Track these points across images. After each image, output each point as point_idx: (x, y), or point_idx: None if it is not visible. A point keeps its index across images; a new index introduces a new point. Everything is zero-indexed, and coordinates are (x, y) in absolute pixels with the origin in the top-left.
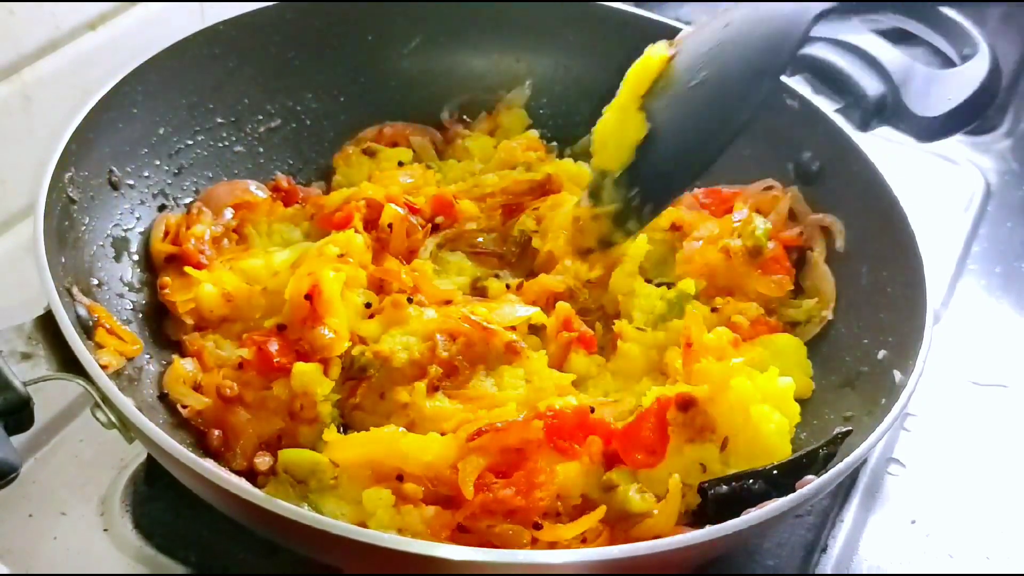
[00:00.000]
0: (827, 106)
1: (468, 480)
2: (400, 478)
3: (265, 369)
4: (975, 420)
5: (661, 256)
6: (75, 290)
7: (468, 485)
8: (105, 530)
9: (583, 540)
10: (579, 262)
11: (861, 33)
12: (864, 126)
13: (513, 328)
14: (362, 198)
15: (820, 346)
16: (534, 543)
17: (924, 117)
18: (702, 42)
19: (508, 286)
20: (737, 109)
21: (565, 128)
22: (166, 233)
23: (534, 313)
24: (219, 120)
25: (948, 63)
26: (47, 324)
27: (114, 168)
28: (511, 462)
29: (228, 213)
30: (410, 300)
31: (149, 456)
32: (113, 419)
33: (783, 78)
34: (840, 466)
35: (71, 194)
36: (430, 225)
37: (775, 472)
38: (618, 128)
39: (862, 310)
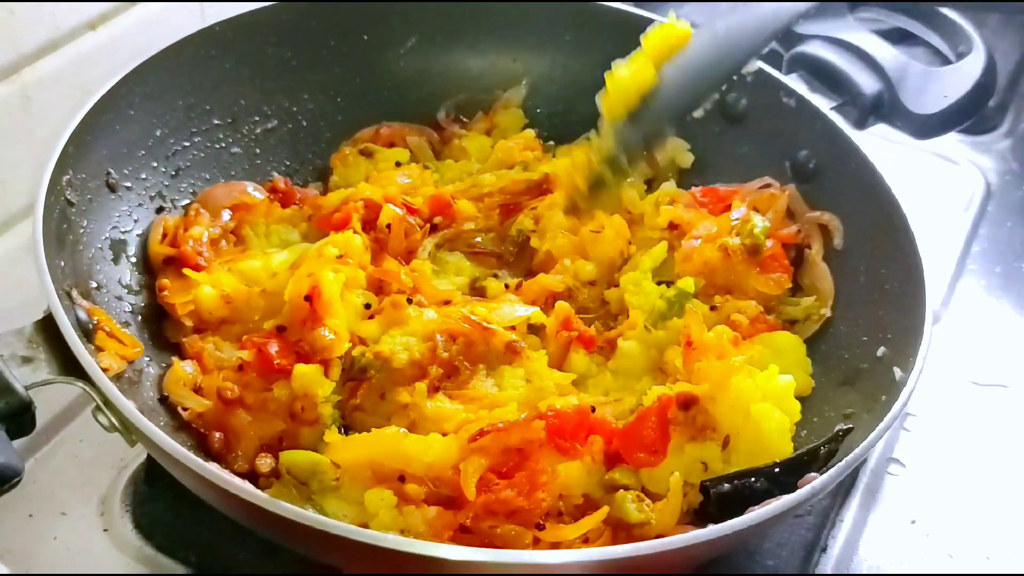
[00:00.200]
0: (824, 104)
1: (470, 481)
2: (402, 479)
3: (265, 371)
4: (975, 420)
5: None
6: (75, 293)
7: (470, 486)
8: (105, 530)
9: (585, 540)
10: (578, 261)
11: (857, 31)
12: (861, 124)
13: (513, 328)
14: (360, 199)
15: (819, 344)
16: (536, 543)
17: (920, 115)
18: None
19: (507, 286)
20: (736, 63)
21: (562, 127)
22: (164, 235)
23: (533, 313)
24: (216, 121)
25: (944, 61)
26: (47, 327)
27: (111, 170)
28: (512, 462)
29: (226, 215)
30: (409, 300)
31: (149, 456)
32: (115, 422)
33: (781, 77)
34: (842, 464)
35: (69, 197)
36: (428, 225)
37: (777, 470)
38: (631, 80)
39: (861, 307)
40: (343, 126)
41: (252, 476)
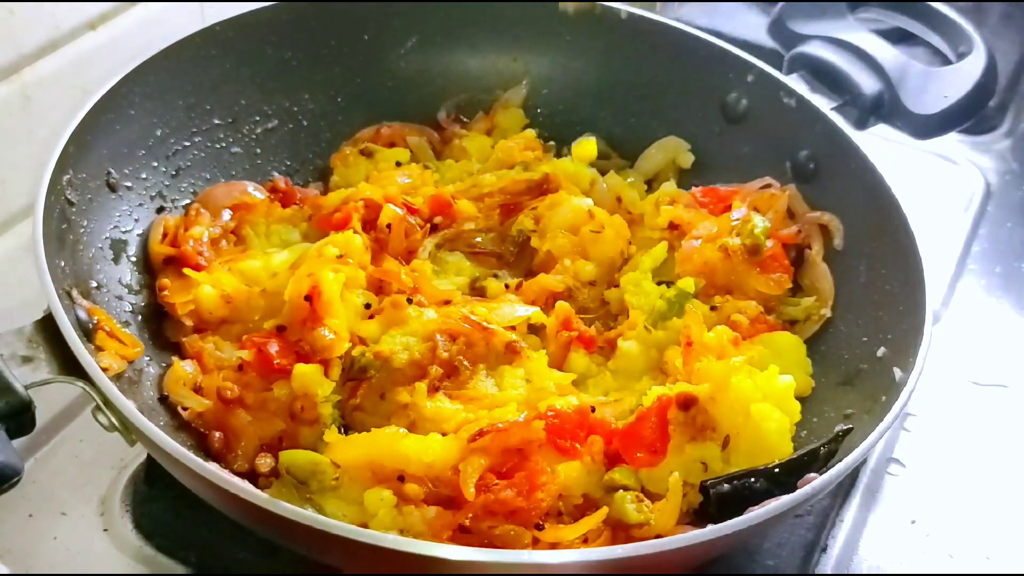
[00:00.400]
0: (824, 104)
1: (469, 481)
2: (401, 479)
3: (265, 371)
4: (975, 420)
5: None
6: (75, 293)
7: (469, 486)
8: (105, 530)
9: (584, 540)
10: (578, 261)
11: (858, 31)
12: (861, 124)
13: (513, 328)
14: (360, 199)
15: (819, 344)
16: (535, 544)
17: (921, 115)
18: None
19: (507, 286)
20: None
21: (563, 127)
22: (164, 235)
23: (534, 313)
24: (216, 121)
25: (944, 61)
26: (47, 327)
27: (112, 170)
28: (512, 463)
29: (226, 214)
30: (410, 300)
31: (149, 456)
32: (115, 422)
33: (781, 77)
34: (842, 464)
35: (69, 196)
36: (428, 225)
37: (777, 470)
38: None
39: (861, 308)
40: (343, 126)
41: (252, 476)
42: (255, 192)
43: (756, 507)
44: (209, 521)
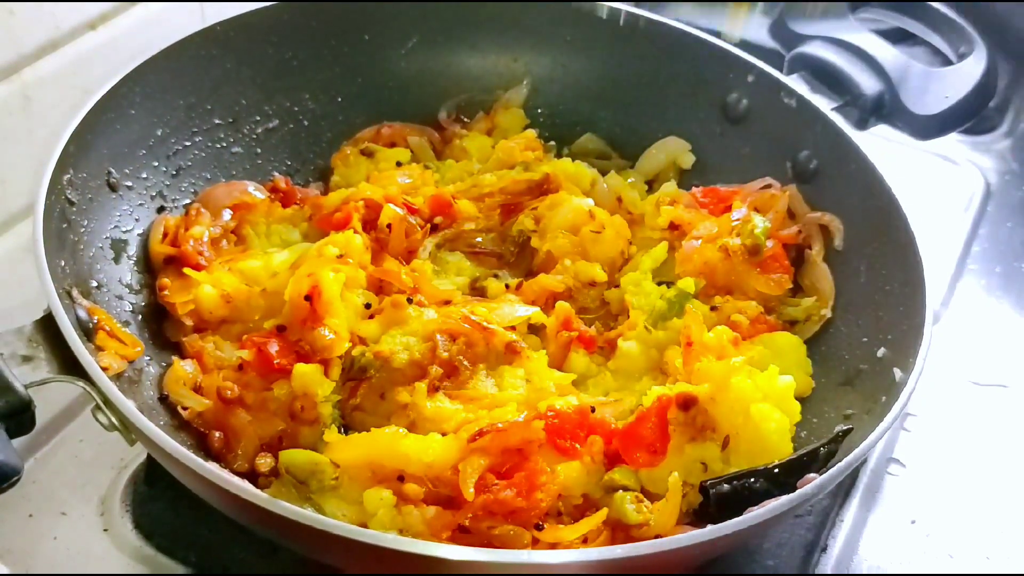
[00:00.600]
0: (825, 104)
1: (469, 481)
2: (401, 479)
3: (265, 370)
4: (975, 420)
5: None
6: (75, 292)
7: (469, 486)
8: (105, 530)
9: (584, 540)
10: (579, 261)
11: (858, 32)
12: (862, 124)
13: (513, 328)
14: (360, 198)
15: (819, 344)
16: (535, 544)
17: (921, 115)
18: None
19: (507, 286)
20: None
21: (563, 127)
22: (165, 235)
23: (534, 313)
24: (217, 121)
25: (945, 61)
26: (47, 326)
27: (112, 170)
28: (512, 463)
29: (226, 214)
30: (410, 300)
31: (149, 456)
32: (115, 421)
33: (782, 77)
34: (842, 464)
35: (70, 196)
36: (429, 225)
37: (776, 471)
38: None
39: (861, 308)
40: (344, 126)
41: (252, 476)
42: (255, 192)
43: (756, 507)
44: (209, 521)
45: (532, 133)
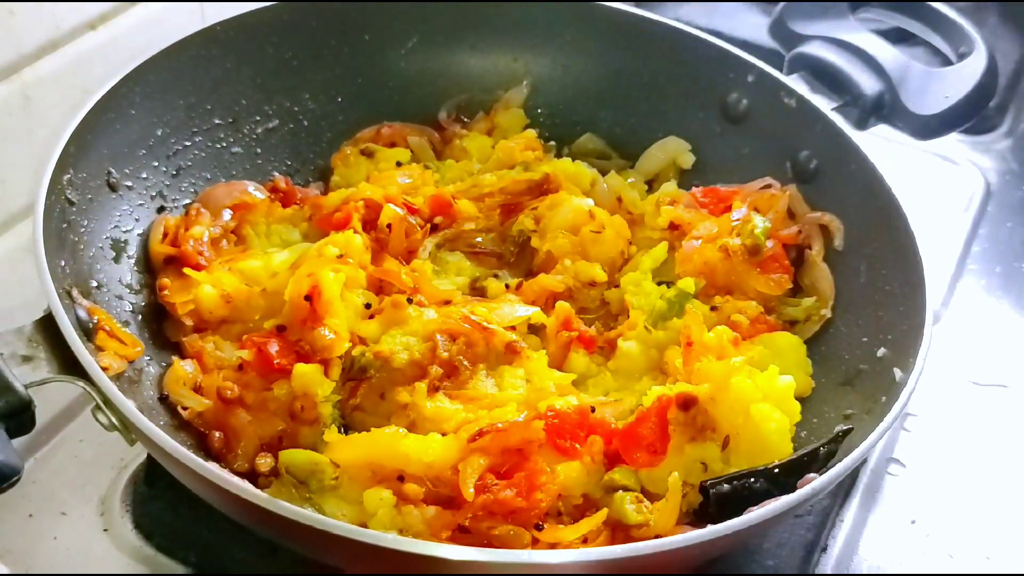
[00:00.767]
0: (825, 104)
1: (469, 481)
2: (401, 479)
3: (265, 370)
4: (975, 420)
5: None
6: (75, 292)
7: (469, 486)
8: (105, 530)
9: (584, 540)
10: (579, 261)
11: (858, 32)
12: (862, 124)
13: (513, 328)
14: (360, 198)
15: (819, 344)
16: (535, 544)
17: (921, 115)
18: None
19: (507, 286)
20: None
21: (563, 127)
22: (165, 234)
23: (534, 313)
24: (217, 121)
25: (945, 61)
26: (47, 326)
27: (112, 170)
28: (512, 463)
29: (227, 214)
30: (410, 300)
31: (149, 456)
32: (115, 421)
33: (782, 77)
34: (842, 464)
35: (70, 196)
36: (429, 225)
37: (776, 471)
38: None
39: (861, 308)
40: (344, 126)
41: (252, 476)
42: (255, 192)
43: (756, 507)
44: (209, 521)
45: (532, 133)
